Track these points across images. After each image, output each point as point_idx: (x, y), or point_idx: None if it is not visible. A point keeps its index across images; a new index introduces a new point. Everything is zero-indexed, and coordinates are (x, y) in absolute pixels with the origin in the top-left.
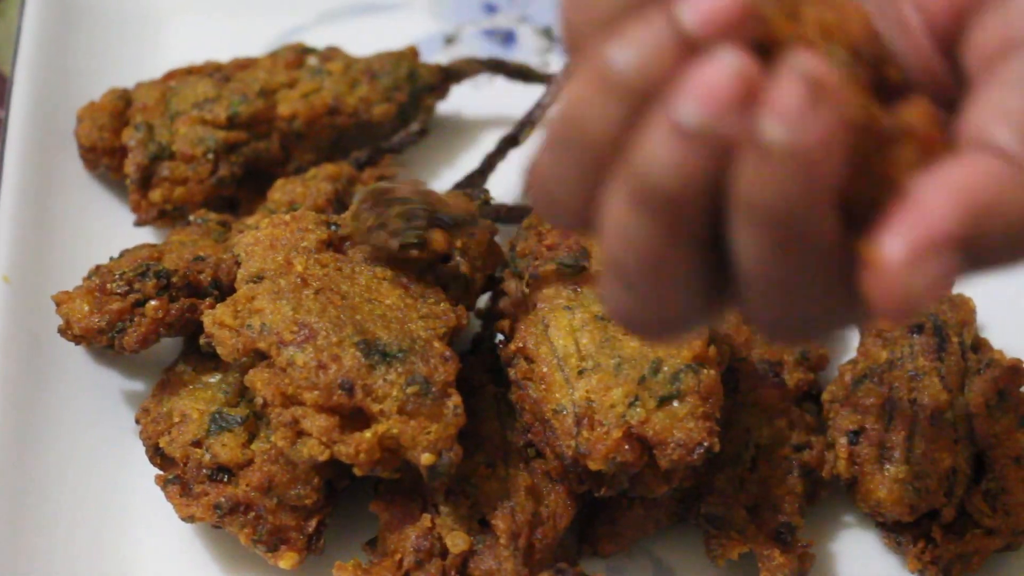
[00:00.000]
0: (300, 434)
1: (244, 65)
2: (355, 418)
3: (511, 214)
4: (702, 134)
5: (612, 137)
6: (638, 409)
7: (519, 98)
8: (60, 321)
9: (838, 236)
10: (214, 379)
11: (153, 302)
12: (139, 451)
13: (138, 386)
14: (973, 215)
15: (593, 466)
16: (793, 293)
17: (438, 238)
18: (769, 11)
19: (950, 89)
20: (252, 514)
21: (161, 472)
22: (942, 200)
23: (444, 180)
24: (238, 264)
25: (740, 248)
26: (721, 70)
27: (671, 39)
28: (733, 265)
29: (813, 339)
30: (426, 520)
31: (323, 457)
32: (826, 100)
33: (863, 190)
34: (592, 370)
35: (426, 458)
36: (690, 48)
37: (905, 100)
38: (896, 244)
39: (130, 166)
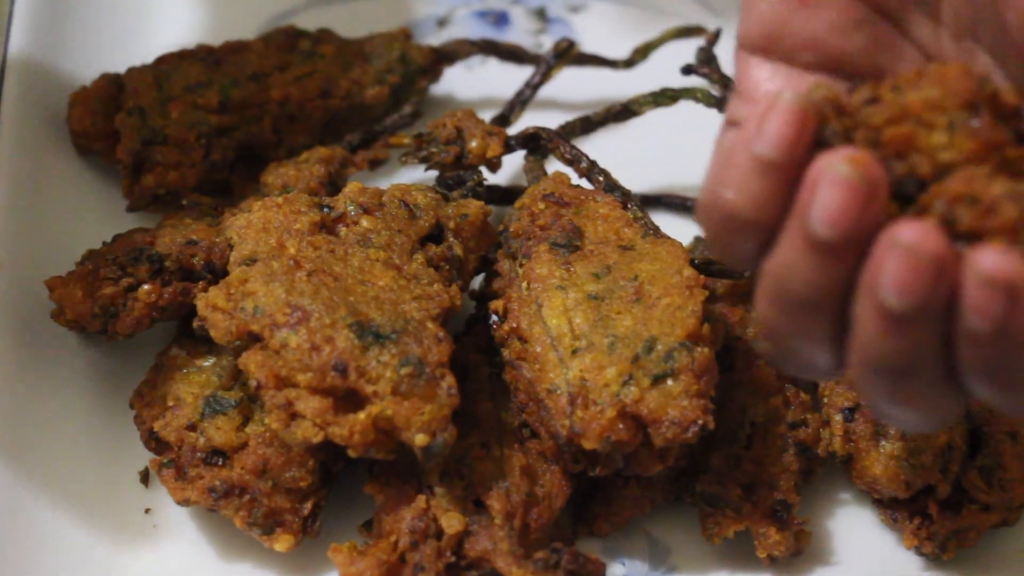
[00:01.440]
0: (294, 416)
1: (236, 49)
2: (349, 400)
3: (504, 195)
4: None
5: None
6: (632, 388)
7: (511, 79)
8: (53, 306)
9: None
10: (208, 363)
11: (146, 286)
12: (134, 435)
13: (132, 371)
14: None
15: (588, 445)
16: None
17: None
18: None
19: None
20: (247, 497)
21: (156, 456)
22: None
23: None
24: (231, 247)
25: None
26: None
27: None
28: None
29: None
30: (421, 501)
31: (317, 439)
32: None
33: None
34: (586, 349)
35: (420, 439)
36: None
37: None
38: None
39: (122, 151)
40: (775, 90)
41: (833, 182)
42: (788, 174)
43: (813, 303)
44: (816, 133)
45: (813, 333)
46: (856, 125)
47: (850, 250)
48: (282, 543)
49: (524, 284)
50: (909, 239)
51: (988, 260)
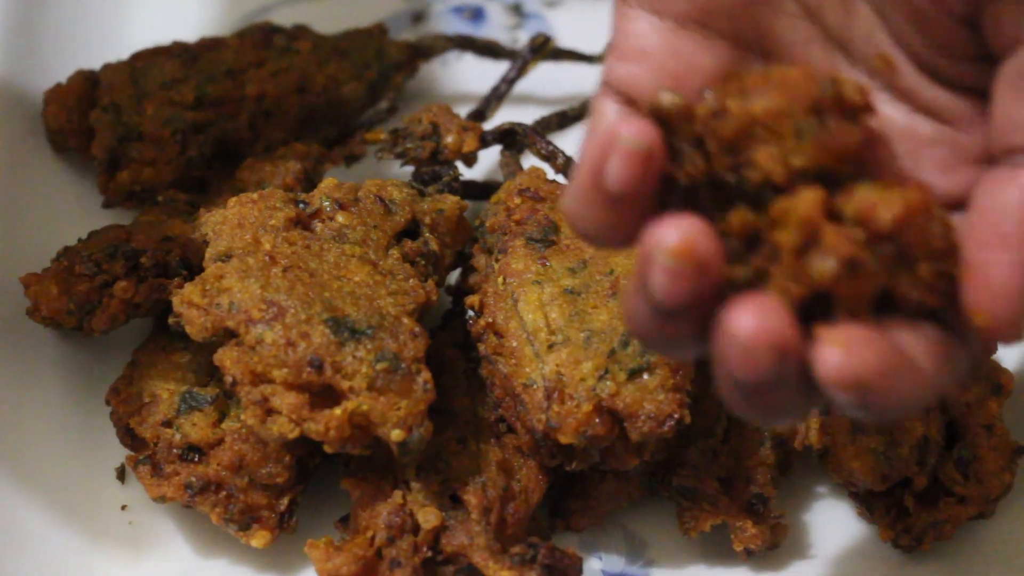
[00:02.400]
0: (270, 412)
1: (211, 45)
2: (325, 395)
3: (480, 190)
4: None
5: None
6: (608, 382)
7: (487, 75)
8: (28, 303)
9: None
10: (184, 359)
11: (122, 283)
12: (110, 432)
13: (108, 367)
14: None
15: (564, 440)
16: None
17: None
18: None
19: (973, 69)
20: (223, 493)
21: (132, 453)
22: (1020, 230)
23: None
24: (206, 243)
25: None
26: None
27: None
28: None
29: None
30: (397, 497)
31: (293, 435)
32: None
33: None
34: (562, 344)
35: (396, 434)
36: None
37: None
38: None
39: (98, 148)
40: (614, 121)
41: (662, 267)
42: (634, 208)
43: (670, 338)
44: (666, 141)
45: (679, 347)
46: (705, 134)
47: (691, 314)
48: (259, 539)
49: (500, 279)
50: (743, 332)
51: (832, 362)
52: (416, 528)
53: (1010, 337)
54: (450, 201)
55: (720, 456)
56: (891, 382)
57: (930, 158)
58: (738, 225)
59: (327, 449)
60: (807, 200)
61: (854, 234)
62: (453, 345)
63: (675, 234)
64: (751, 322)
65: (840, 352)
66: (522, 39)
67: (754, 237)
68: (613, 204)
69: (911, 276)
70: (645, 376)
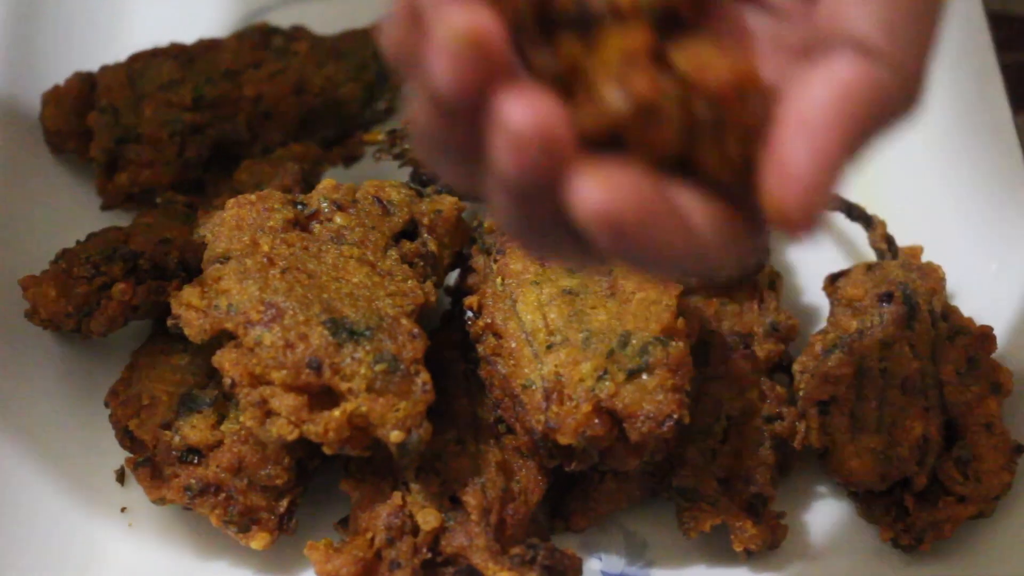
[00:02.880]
0: (269, 414)
1: (209, 46)
2: (324, 397)
3: None
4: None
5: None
6: (607, 383)
7: None
8: (27, 305)
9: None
10: (182, 361)
11: (120, 285)
12: (109, 434)
13: (106, 369)
14: (853, 132)
15: (563, 440)
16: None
17: None
18: None
19: None
20: (223, 495)
21: (131, 455)
22: (823, 120)
23: None
24: (205, 245)
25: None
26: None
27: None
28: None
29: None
30: (397, 498)
31: (292, 436)
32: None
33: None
34: (560, 344)
35: (395, 436)
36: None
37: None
38: (792, 178)
39: (96, 149)
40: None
41: (446, 50)
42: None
43: (443, 147)
44: None
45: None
46: None
47: (468, 112)
48: (258, 541)
49: (499, 280)
50: (515, 119)
51: (587, 193)
52: (416, 529)
53: (800, 227)
54: (448, 202)
55: (719, 456)
56: (650, 228)
57: (757, 48)
58: (564, 56)
59: (326, 451)
60: (634, 34)
61: (669, 85)
62: (452, 346)
63: (464, 18)
64: (524, 110)
65: (597, 185)
66: None
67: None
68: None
69: (716, 146)
70: (644, 376)
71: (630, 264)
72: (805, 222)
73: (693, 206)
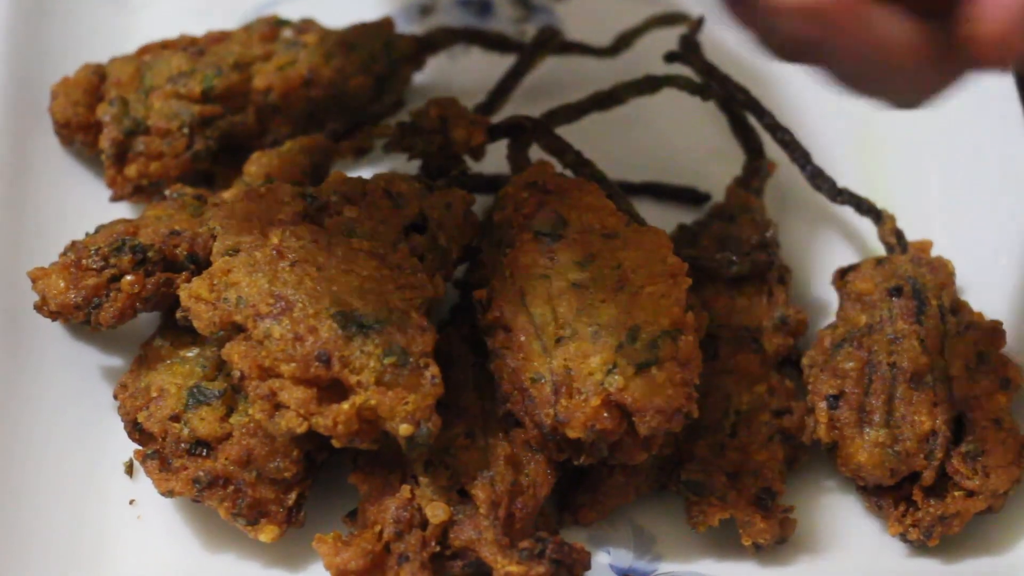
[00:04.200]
0: (278, 407)
1: (218, 39)
2: (333, 390)
3: (488, 184)
4: None
5: None
6: (616, 376)
7: (495, 68)
8: (36, 297)
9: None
10: (191, 353)
11: (129, 277)
12: (118, 426)
13: (116, 362)
14: None
15: (572, 434)
16: None
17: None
18: None
19: None
20: (231, 488)
21: (140, 447)
22: None
23: None
24: (214, 237)
25: None
26: None
27: None
28: None
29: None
30: (405, 491)
31: (301, 429)
32: None
33: None
34: (570, 338)
35: (404, 429)
36: None
37: None
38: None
39: (105, 141)
40: None
41: None
42: None
43: None
44: None
45: None
46: None
47: None
48: (267, 534)
49: (508, 273)
50: None
51: None
52: (424, 523)
53: (994, 58)
54: (458, 195)
55: (728, 450)
56: (848, 28)
57: None
58: None
59: (335, 443)
60: None
61: None
62: (461, 339)
63: None
64: None
65: None
66: (529, 32)
67: None
68: None
69: None
70: (653, 370)
71: (822, 66)
72: (1002, 53)
73: (892, 19)
